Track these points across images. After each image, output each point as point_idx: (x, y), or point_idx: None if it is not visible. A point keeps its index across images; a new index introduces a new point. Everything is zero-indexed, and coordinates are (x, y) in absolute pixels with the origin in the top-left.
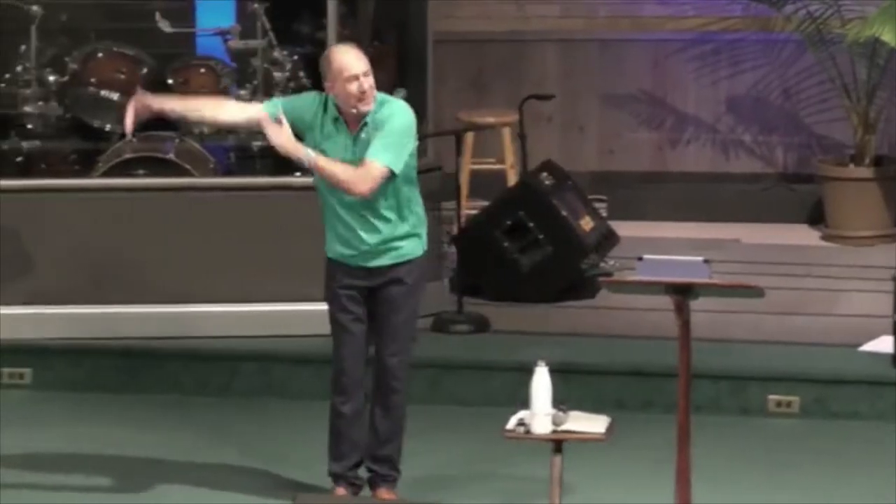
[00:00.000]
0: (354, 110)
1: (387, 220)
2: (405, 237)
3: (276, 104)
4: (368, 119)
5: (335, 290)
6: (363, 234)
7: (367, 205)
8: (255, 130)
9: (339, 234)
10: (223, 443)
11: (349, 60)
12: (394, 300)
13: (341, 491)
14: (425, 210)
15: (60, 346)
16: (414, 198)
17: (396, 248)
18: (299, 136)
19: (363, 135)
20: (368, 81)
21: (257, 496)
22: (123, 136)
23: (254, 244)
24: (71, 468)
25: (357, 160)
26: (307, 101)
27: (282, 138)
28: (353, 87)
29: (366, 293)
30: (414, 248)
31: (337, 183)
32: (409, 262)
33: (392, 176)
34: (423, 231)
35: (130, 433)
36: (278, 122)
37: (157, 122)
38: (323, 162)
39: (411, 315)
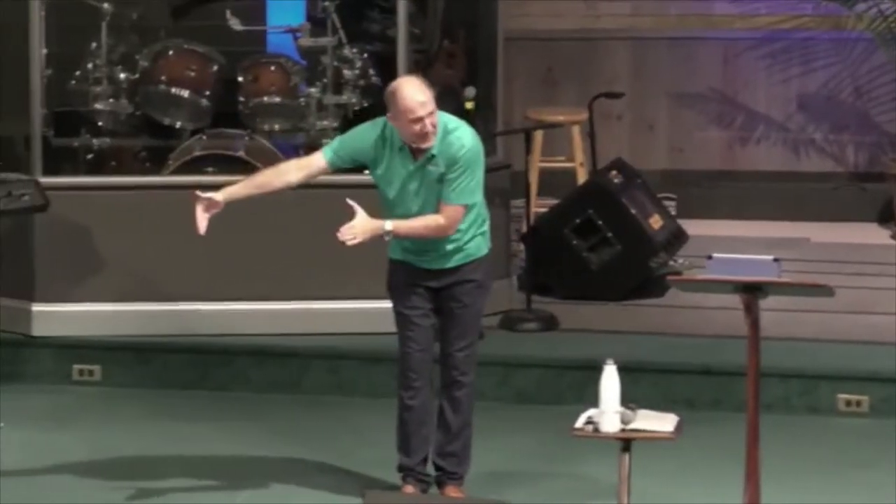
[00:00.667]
0: (416, 146)
1: (461, 229)
2: (471, 238)
3: (335, 150)
4: (435, 150)
5: (400, 287)
6: (429, 246)
7: None
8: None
9: (404, 244)
10: (292, 440)
11: (414, 104)
12: (460, 297)
13: (409, 488)
14: (493, 208)
15: (130, 343)
16: (480, 204)
17: (463, 250)
18: (363, 166)
19: (430, 166)
20: (431, 120)
21: (326, 493)
22: (194, 133)
23: (324, 242)
24: (139, 465)
25: (422, 187)
26: (365, 133)
27: (359, 232)
28: (416, 128)
29: (432, 291)
30: (479, 247)
31: (424, 238)
32: (474, 261)
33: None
34: (487, 228)
35: (199, 430)
36: (349, 227)
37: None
38: (403, 229)
39: (478, 312)
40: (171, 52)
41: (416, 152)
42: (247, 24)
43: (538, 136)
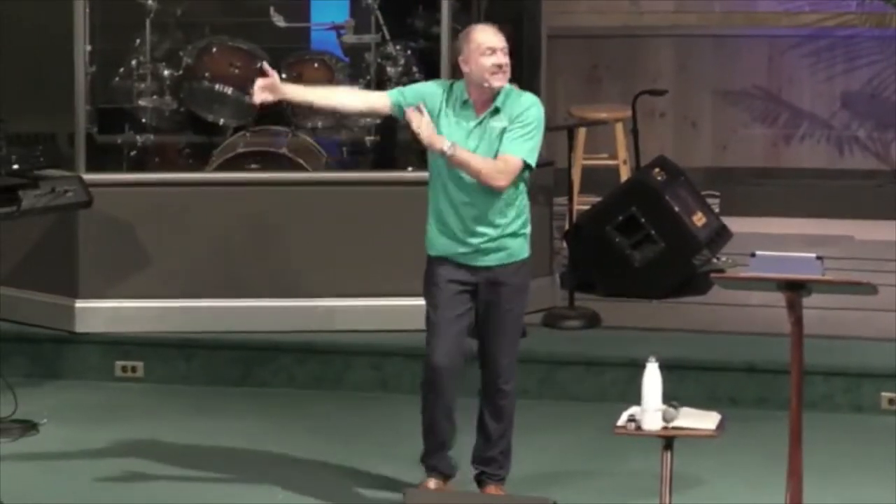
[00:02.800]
0: (487, 84)
1: (503, 215)
2: (514, 236)
3: (402, 91)
4: (499, 104)
5: (436, 286)
6: (477, 229)
7: (485, 200)
8: (371, 121)
9: (450, 229)
10: (335, 437)
11: (488, 35)
12: (502, 302)
13: (432, 483)
14: (536, 206)
15: (174, 339)
16: (525, 198)
17: (506, 248)
18: None
19: (492, 122)
20: (505, 58)
21: (367, 490)
22: (237, 129)
23: (367, 239)
24: (181, 461)
25: (481, 144)
26: (432, 87)
27: (423, 127)
28: (490, 61)
29: (470, 291)
30: (521, 248)
31: (476, 174)
32: (515, 262)
33: (526, 168)
34: (529, 231)
35: (242, 427)
36: (419, 110)
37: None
38: (462, 152)
39: (518, 315)
40: (215, 49)
41: (479, 106)
42: (290, 21)
43: (581, 133)
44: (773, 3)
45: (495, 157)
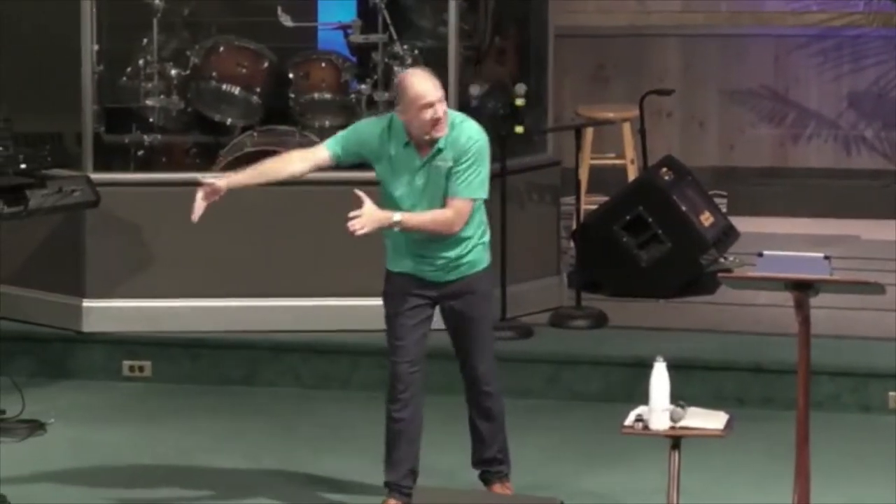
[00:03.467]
0: (427, 137)
1: (459, 241)
2: (473, 248)
3: (339, 139)
4: (442, 143)
5: (396, 295)
6: (435, 254)
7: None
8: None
9: (411, 252)
10: (342, 436)
11: (425, 88)
12: (468, 312)
13: (392, 502)
14: (543, 205)
15: (181, 339)
16: (482, 212)
17: (465, 262)
18: (367, 163)
19: (437, 161)
20: (443, 108)
21: (376, 490)
22: (244, 129)
23: (374, 239)
24: (189, 461)
25: (429, 184)
26: (368, 128)
27: (366, 221)
28: (428, 115)
29: (432, 303)
30: (481, 258)
31: (431, 233)
32: (476, 273)
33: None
34: (488, 239)
35: (249, 426)
36: (358, 201)
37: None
38: (410, 222)
39: (488, 322)
40: (222, 49)
41: (422, 148)
42: (298, 20)
43: (588, 133)
44: (780, 2)
45: (444, 194)
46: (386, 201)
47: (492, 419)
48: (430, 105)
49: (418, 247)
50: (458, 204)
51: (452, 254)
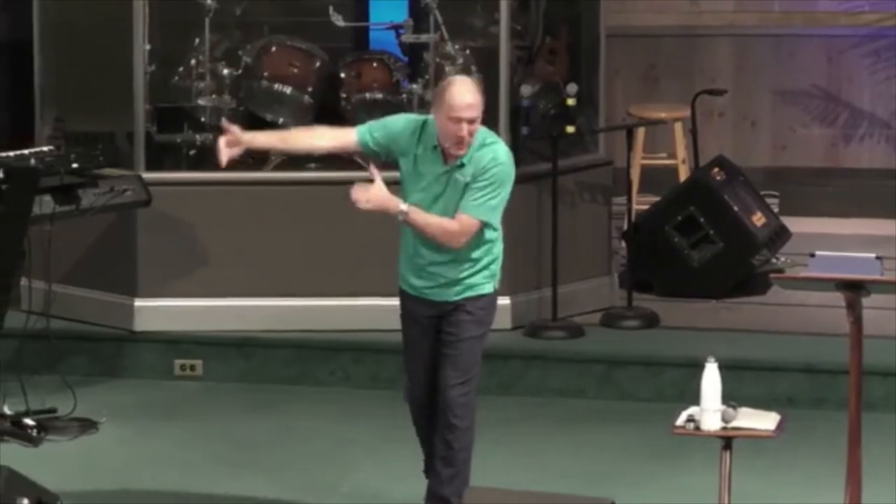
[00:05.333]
0: (448, 147)
1: (466, 259)
2: (478, 272)
3: (371, 128)
4: (465, 159)
5: (406, 319)
6: (440, 270)
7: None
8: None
9: (415, 266)
10: (391, 437)
11: (460, 102)
12: (453, 329)
13: None
14: (594, 205)
15: (232, 338)
16: (495, 242)
17: (469, 285)
18: (394, 158)
19: (458, 174)
20: (471, 128)
21: (423, 486)
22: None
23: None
24: (240, 459)
25: (445, 193)
26: (403, 124)
27: (372, 200)
28: (454, 129)
29: (435, 323)
30: (484, 284)
31: (430, 237)
32: (476, 297)
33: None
34: (498, 269)
35: (300, 426)
36: (370, 178)
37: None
38: (416, 216)
39: (471, 348)
40: (273, 48)
41: (447, 156)
42: (349, 20)
43: (640, 132)
44: (833, 3)
45: (456, 207)
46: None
47: (450, 463)
48: (459, 121)
49: (427, 262)
50: (465, 220)
51: (454, 273)
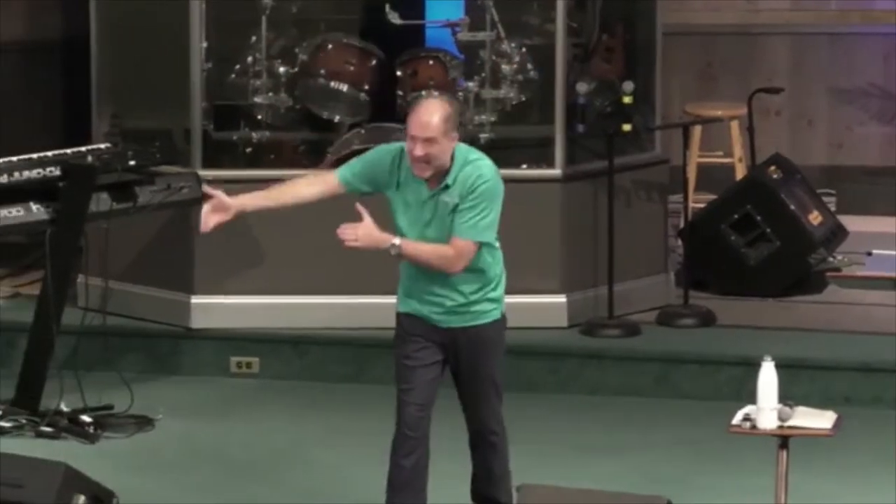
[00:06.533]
0: (412, 169)
1: (467, 283)
2: (482, 301)
3: (351, 166)
4: (449, 180)
5: (404, 337)
6: (443, 295)
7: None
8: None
9: (419, 290)
10: (446, 434)
11: (416, 121)
12: (472, 363)
13: None
14: (651, 203)
15: (288, 335)
16: (495, 260)
17: (471, 311)
18: (381, 191)
19: (445, 197)
20: (424, 149)
21: None
22: (352, 126)
23: None
24: (296, 457)
25: (434, 219)
26: (381, 153)
27: (361, 238)
28: (410, 147)
29: (438, 348)
30: (491, 311)
31: (427, 266)
32: (486, 324)
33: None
34: (501, 294)
35: (356, 423)
36: (358, 215)
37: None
38: (409, 248)
39: (490, 373)
40: (330, 46)
41: (430, 180)
42: (406, 18)
43: (696, 131)
44: (890, 1)
45: (448, 231)
46: (399, 232)
47: (497, 455)
48: (414, 140)
49: (426, 286)
50: (460, 244)
51: (461, 298)
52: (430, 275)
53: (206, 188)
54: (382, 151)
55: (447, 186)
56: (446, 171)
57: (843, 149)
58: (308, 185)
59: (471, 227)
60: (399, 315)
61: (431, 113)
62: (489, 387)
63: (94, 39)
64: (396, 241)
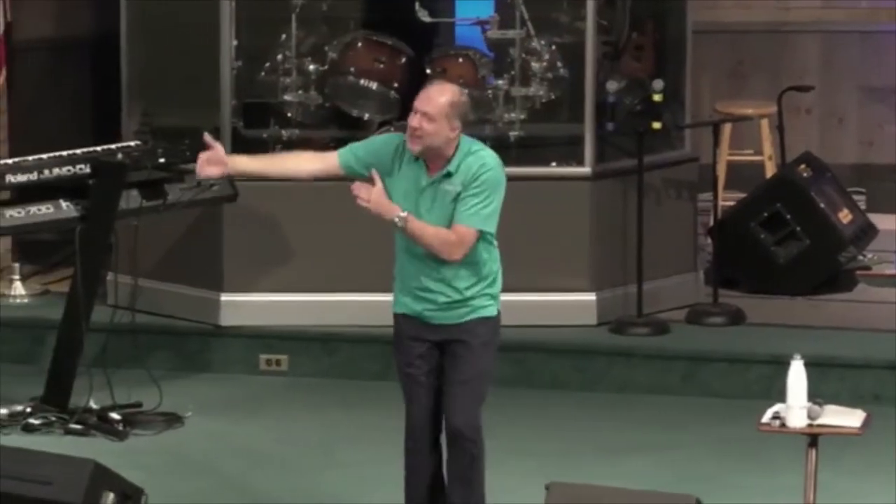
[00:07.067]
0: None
1: (462, 278)
2: (477, 296)
3: (353, 149)
4: (452, 168)
5: (401, 344)
6: (436, 289)
7: (442, 262)
8: (516, 115)
9: (409, 287)
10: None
11: (424, 93)
12: (461, 356)
13: None
14: (680, 201)
15: (317, 333)
16: (491, 257)
17: (467, 307)
18: (381, 177)
19: (446, 185)
20: (421, 121)
21: (508, 484)
22: (382, 124)
23: (510, 234)
24: (325, 455)
25: (434, 206)
26: (384, 139)
27: (374, 200)
28: (409, 117)
29: (435, 349)
30: (485, 307)
31: (427, 247)
32: (480, 319)
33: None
34: (497, 291)
35: (386, 421)
36: (370, 180)
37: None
38: (414, 224)
39: (480, 373)
40: (360, 44)
41: (431, 167)
42: (435, 16)
43: (726, 129)
44: None
45: (450, 220)
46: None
47: (469, 486)
48: (414, 111)
49: (419, 281)
50: (462, 231)
51: (455, 294)
52: (423, 268)
53: (208, 138)
54: (386, 138)
55: (449, 174)
56: (448, 159)
57: (874, 147)
58: (308, 161)
59: (473, 214)
60: (395, 316)
61: (440, 93)
62: (474, 388)
63: (125, 37)
64: (403, 213)
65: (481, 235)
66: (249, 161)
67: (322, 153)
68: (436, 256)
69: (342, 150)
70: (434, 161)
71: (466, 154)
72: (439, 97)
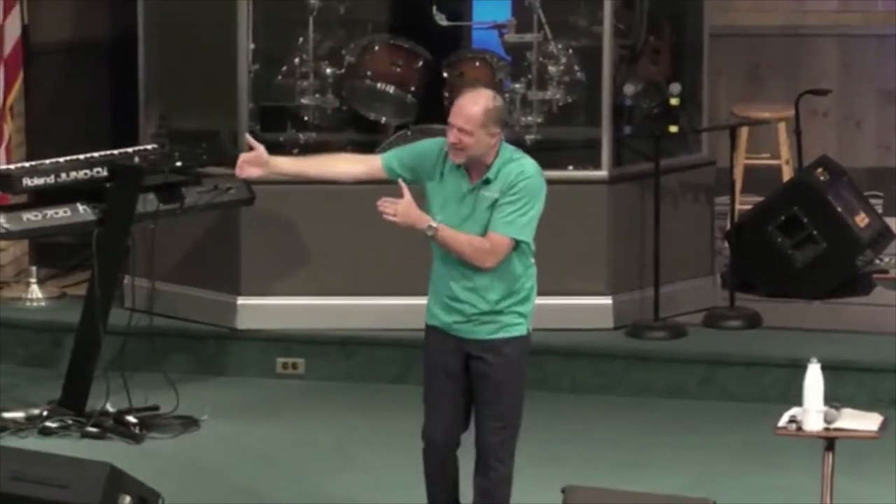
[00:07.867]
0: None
1: (494, 290)
2: (506, 312)
3: (397, 153)
4: (491, 175)
5: (430, 357)
6: (468, 300)
7: (476, 272)
8: (533, 119)
9: (441, 297)
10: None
11: (455, 108)
12: (490, 375)
13: None
14: (697, 205)
15: (335, 336)
16: (526, 273)
17: (497, 322)
18: (421, 182)
19: (485, 192)
20: (458, 137)
21: (526, 488)
22: (399, 128)
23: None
24: (343, 457)
25: (473, 213)
26: (428, 145)
27: (401, 213)
28: (447, 134)
29: (462, 365)
30: (516, 325)
31: (460, 255)
32: (511, 339)
33: (521, 244)
34: (528, 311)
35: (403, 424)
36: (400, 190)
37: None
38: (446, 233)
39: (512, 393)
40: (377, 48)
41: (472, 174)
42: (452, 19)
43: (743, 132)
44: None
45: (486, 228)
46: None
47: (488, 498)
48: (450, 126)
49: (451, 289)
50: (496, 238)
51: (484, 305)
52: (455, 275)
53: (249, 138)
54: (430, 143)
55: (488, 181)
56: (488, 166)
57: (891, 151)
58: (351, 163)
59: (509, 222)
60: (426, 327)
61: (473, 102)
62: (506, 406)
63: (142, 40)
64: (434, 223)
65: (517, 245)
66: (291, 162)
67: (364, 155)
68: (469, 264)
69: (386, 155)
70: (475, 168)
71: (507, 161)
72: (472, 107)
